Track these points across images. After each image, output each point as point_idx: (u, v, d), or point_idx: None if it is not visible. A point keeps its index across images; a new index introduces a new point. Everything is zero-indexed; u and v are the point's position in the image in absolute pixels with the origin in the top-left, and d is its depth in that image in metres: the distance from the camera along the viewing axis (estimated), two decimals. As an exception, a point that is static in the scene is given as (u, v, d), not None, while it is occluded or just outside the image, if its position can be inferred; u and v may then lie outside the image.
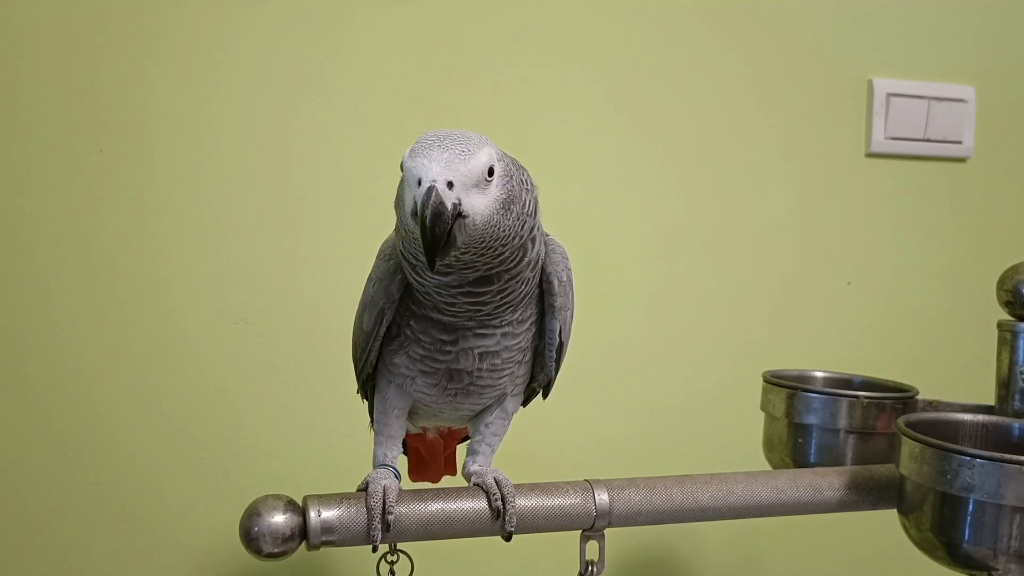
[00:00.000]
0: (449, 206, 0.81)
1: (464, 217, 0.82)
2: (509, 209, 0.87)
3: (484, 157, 0.84)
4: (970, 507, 0.95)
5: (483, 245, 0.87)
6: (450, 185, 0.81)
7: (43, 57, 1.48)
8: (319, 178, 1.60)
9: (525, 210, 0.89)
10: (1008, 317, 1.23)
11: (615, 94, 1.76)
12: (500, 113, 1.68)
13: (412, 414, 1.08)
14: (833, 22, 1.88)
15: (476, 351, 0.97)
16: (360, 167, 1.61)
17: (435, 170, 0.81)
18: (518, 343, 1.00)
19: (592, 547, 1.04)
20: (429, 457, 1.21)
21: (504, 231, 0.87)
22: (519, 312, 0.98)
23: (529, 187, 0.92)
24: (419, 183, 0.81)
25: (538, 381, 1.08)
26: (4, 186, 1.48)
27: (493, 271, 0.90)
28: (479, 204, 0.84)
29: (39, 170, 1.49)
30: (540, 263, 0.97)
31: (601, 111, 1.75)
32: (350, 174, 1.61)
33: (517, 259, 0.91)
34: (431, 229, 0.80)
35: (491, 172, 0.84)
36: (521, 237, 0.90)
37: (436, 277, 0.90)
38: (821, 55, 1.88)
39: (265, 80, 1.57)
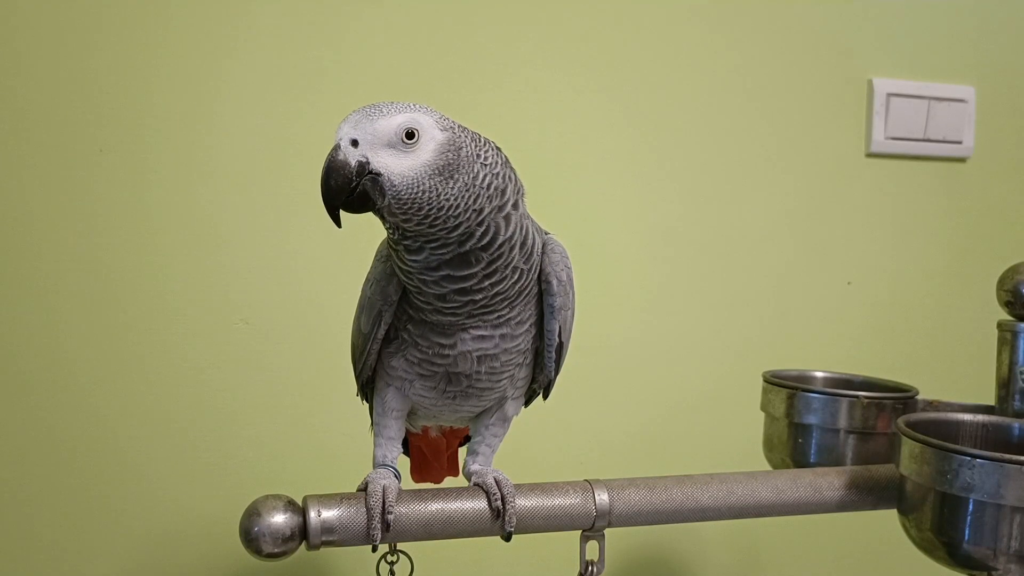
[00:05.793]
0: (353, 163, 0.85)
1: (378, 176, 0.85)
2: (451, 177, 0.87)
3: (400, 119, 0.86)
4: (970, 507, 0.95)
5: (423, 212, 0.87)
6: (355, 143, 0.86)
7: (43, 57, 1.48)
8: (320, 178, 1.59)
9: (480, 183, 0.89)
10: (1008, 317, 1.23)
11: (615, 94, 1.76)
12: (500, 113, 1.68)
13: (412, 415, 1.08)
14: (833, 22, 1.88)
15: (474, 354, 0.97)
16: (360, 167, 1.61)
17: (343, 130, 0.87)
18: (517, 345, 0.99)
19: (592, 547, 1.04)
20: (432, 456, 1.21)
21: (449, 199, 0.87)
22: (517, 311, 0.97)
23: (492, 165, 0.91)
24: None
25: (538, 382, 1.08)
26: (4, 186, 1.48)
27: (466, 248, 0.90)
28: (396, 165, 0.86)
29: (39, 170, 1.49)
30: (535, 256, 0.96)
31: (601, 111, 1.75)
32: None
33: (488, 237, 0.90)
34: (323, 180, 0.86)
35: (410, 135, 0.86)
36: (479, 212, 0.89)
37: (411, 258, 0.90)
38: (821, 55, 1.88)
39: (265, 80, 1.57)
